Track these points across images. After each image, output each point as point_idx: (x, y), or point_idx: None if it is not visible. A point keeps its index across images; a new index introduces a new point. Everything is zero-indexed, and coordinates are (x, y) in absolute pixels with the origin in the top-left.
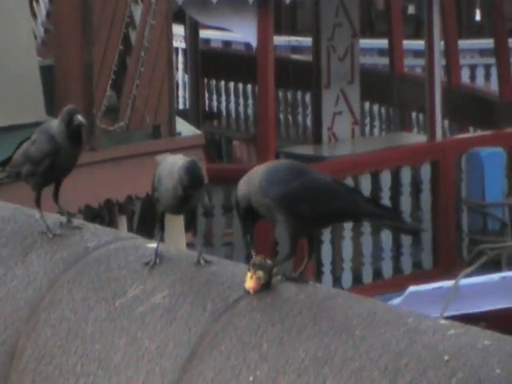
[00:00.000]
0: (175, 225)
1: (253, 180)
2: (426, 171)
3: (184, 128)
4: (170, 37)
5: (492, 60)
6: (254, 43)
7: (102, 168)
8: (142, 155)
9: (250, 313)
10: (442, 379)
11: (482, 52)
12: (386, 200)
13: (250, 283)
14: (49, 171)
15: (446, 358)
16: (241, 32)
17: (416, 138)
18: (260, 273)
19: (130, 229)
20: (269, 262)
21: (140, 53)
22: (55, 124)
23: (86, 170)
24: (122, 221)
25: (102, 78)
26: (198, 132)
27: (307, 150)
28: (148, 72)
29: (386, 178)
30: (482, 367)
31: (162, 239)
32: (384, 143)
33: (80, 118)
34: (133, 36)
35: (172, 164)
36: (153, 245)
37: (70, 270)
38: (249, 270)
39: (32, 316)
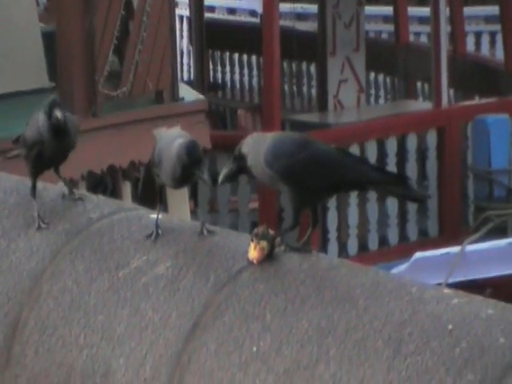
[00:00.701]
0: (179, 192)
1: (258, 150)
2: (431, 138)
3: (187, 93)
4: (172, 1)
5: (497, 27)
6: (259, 9)
7: (104, 134)
8: (144, 121)
9: (253, 283)
10: (446, 348)
11: (488, 19)
12: (391, 167)
13: (253, 253)
14: (38, 160)
15: (450, 327)
16: None
17: (422, 105)
18: (263, 243)
19: (135, 195)
20: (271, 232)
21: (142, 18)
22: (42, 114)
23: (89, 136)
24: (126, 187)
25: (104, 44)
26: (201, 97)
27: (312, 117)
28: (150, 37)
29: (392, 145)
30: (485, 336)
31: (165, 210)
32: (390, 111)
33: (58, 114)
34: (135, 1)
35: (171, 142)
36: (155, 215)
37: (73, 241)
38: (252, 240)
39: (35, 288)
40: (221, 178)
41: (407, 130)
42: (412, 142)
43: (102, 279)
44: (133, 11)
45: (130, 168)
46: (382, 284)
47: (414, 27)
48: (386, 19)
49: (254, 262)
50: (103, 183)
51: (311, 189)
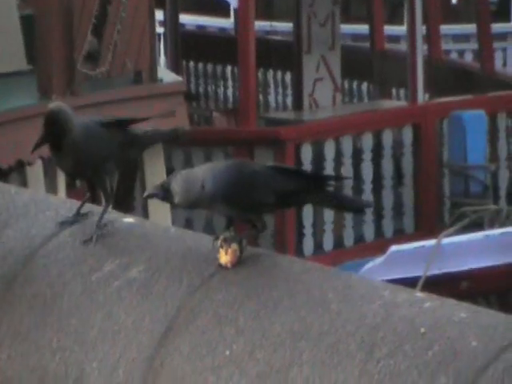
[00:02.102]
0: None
1: (191, 189)
2: (407, 134)
3: (165, 74)
4: None
5: (465, 45)
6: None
7: (83, 113)
8: (123, 101)
9: (226, 287)
10: (419, 352)
11: (456, 37)
12: (367, 163)
13: (225, 258)
14: None
15: (423, 330)
16: None
17: (398, 104)
18: (234, 245)
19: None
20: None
21: None
22: None
23: None
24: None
25: (83, 23)
26: (180, 79)
27: (287, 115)
28: (129, 17)
29: (367, 141)
30: (458, 340)
31: (145, 209)
32: (366, 108)
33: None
34: None
35: None
36: (128, 219)
37: (46, 245)
38: (221, 246)
39: (7, 292)
40: (145, 195)
41: (383, 125)
42: (387, 137)
43: (75, 283)
44: None
45: None
46: (354, 288)
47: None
48: (355, 37)
49: (229, 265)
50: None
51: (249, 208)
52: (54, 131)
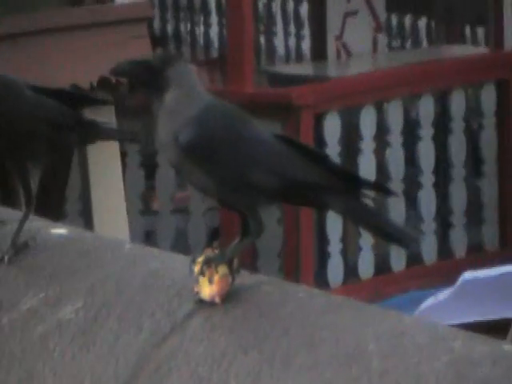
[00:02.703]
0: (111, 180)
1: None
2: (489, 96)
3: None
4: None
5: None
6: None
7: None
8: (54, 31)
9: (209, 334)
10: None
11: None
12: (426, 141)
13: (210, 289)
14: None
15: None
16: None
17: (474, 50)
18: (223, 269)
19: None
20: (222, 251)
21: None
22: None
23: None
24: None
25: None
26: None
27: (303, 68)
28: None
29: (426, 106)
30: None
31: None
32: (425, 58)
33: None
34: None
35: None
36: (59, 230)
37: None
38: (201, 273)
39: None
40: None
41: (450, 83)
42: (458, 102)
43: None
44: None
45: None
46: (408, 335)
47: None
48: None
49: (216, 299)
50: None
51: (238, 183)
52: None
